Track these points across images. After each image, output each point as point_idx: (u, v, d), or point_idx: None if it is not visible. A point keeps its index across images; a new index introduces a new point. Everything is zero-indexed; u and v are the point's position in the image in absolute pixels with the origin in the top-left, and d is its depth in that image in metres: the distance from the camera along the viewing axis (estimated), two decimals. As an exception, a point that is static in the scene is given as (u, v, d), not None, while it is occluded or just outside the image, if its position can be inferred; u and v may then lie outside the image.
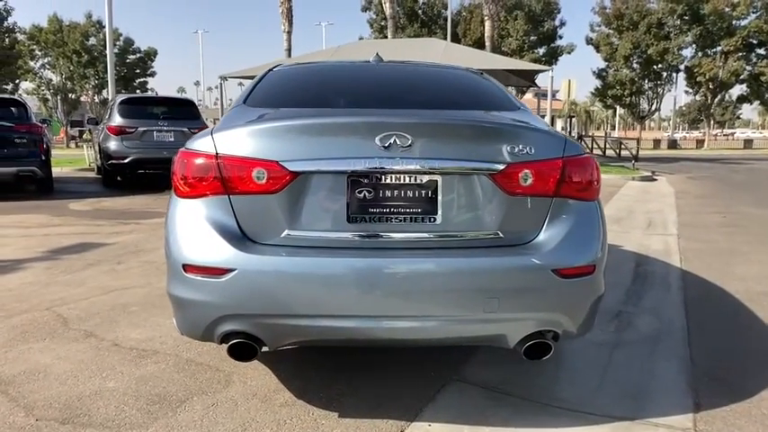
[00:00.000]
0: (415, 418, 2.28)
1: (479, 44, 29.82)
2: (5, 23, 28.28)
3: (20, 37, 32.17)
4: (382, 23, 32.34)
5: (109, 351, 2.92)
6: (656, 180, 14.59)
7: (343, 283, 2.01)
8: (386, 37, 28.09)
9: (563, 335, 2.18)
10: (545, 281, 2.04)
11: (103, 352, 2.91)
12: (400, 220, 2.08)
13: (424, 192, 2.08)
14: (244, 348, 2.10)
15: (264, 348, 2.15)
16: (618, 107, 47.43)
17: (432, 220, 2.09)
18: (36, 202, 8.75)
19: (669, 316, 3.62)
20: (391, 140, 2.02)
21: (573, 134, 38.63)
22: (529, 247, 2.12)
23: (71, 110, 39.53)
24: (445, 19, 31.42)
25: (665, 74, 40.01)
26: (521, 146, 2.10)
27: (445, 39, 28.23)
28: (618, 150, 20.72)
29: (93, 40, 37.16)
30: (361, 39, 37.44)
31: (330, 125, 2.13)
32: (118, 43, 37.35)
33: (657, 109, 42.43)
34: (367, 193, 2.06)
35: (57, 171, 12.03)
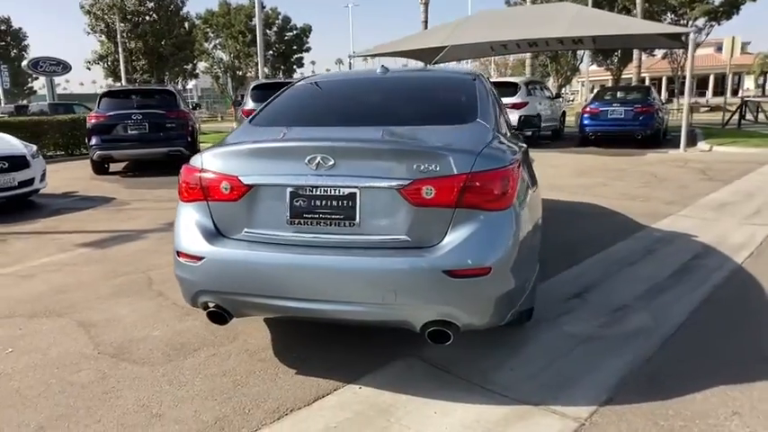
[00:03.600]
0: (351, 381, 2.82)
1: (634, -6, 27.25)
2: (181, 13, 32.46)
3: (196, 21, 36.59)
4: (521, -19, 31.03)
5: (168, 308, 3.86)
6: (823, 155, 12.61)
7: (281, 272, 2.60)
8: (525, -3, 27.14)
9: (464, 326, 2.54)
10: (435, 279, 2.43)
11: (164, 309, 3.85)
12: (327, 224, 2.60)
13: (345, 202, 2.56)
14: (217, 315, 2.80)
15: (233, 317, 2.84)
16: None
17: (352, 224, 2.57)
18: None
19: (670, 315, 3.61)
20: (317, 161, 2.53)
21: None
22: (429, 250, 2.51)
23: (238, 85, 44.29)
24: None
25: None
26: (426, 164, 2.48)
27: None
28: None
29: (255, 21, 40.88)
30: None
31: (272, 149, 2.72)
32: (277, 22, 40.68)
33: None
34: (302, 202, 2.61)
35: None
